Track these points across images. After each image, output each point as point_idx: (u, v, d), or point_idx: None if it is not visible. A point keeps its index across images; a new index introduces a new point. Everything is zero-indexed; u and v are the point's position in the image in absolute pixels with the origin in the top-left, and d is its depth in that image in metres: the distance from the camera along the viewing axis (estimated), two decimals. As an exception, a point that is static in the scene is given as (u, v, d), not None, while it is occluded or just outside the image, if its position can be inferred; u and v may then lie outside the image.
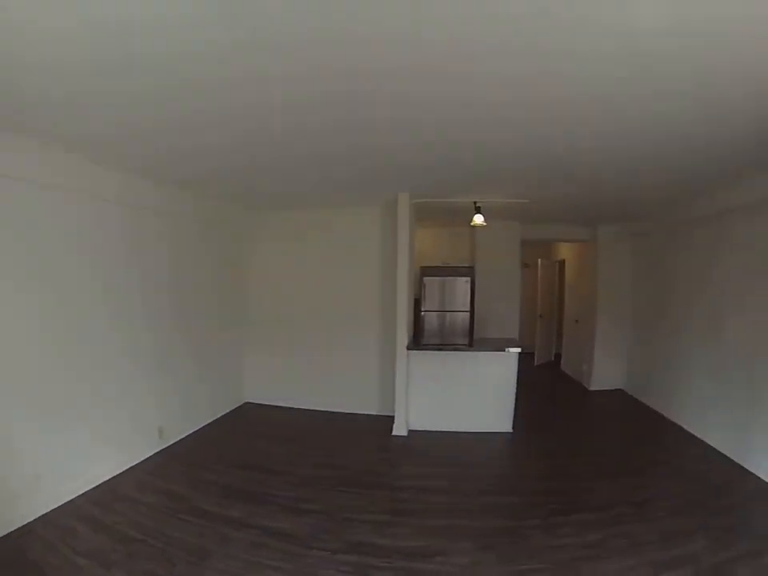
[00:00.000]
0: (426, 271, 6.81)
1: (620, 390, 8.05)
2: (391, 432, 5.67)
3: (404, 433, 5.66)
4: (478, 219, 5.81)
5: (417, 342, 6.22)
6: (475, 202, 5.77)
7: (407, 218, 5.72)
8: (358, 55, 2.29)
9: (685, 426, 6.00)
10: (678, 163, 4.15)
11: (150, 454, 4.77)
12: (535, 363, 10.15)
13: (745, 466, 4.70)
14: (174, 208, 5.20)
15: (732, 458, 4.93)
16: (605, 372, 8.07)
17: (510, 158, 4.07)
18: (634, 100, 2.79)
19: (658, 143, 3.57)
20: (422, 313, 6.66)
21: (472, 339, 6.66)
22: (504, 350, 5.71)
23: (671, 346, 6.55)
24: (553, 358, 10.69)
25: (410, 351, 5.72)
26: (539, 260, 10.27)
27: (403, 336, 5.71)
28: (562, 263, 10.35)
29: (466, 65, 2.38)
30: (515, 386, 5.78)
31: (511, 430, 5.73)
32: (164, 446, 5.00)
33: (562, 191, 5.38)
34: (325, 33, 2.08)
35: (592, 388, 8.11)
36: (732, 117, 3.04)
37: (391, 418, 5.79)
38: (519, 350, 5.72)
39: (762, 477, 4.45)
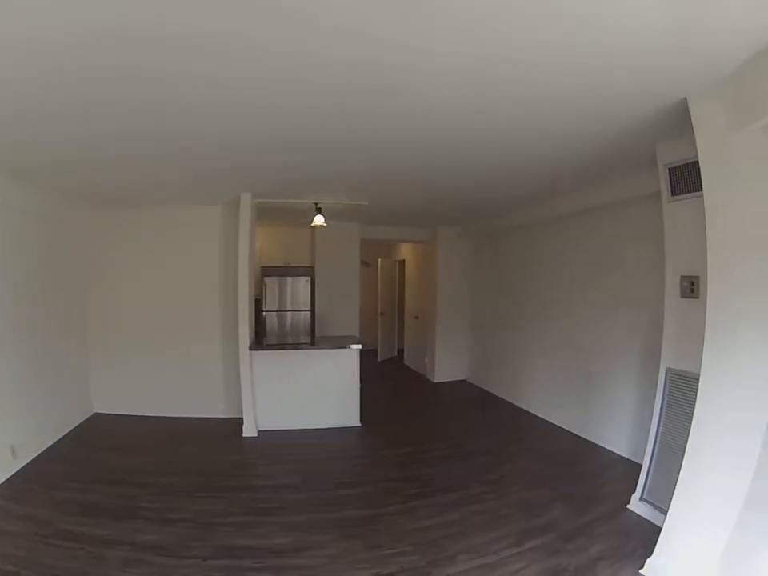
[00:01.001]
0: (267, 271, 6.74)
1: (463, 380, 8.57)
2: (242, 434, 5.54)
3: (254, 434, 5.55)
4: (318, 220, 5.84)
5: (260, 342, 6.13)
6: (316, 203, 5.79)
7: (249, 218, 5.58)
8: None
9: (529, 409, 6.54)
10: (510, 175, 4.59)
11: (6, 477, 4.19)
12: (379, 359, 10.41)
13: (590, 439, 5.25)
14: (10, 203, 4.51)
15: (577, 433, 5.47)
16: (447, 364, 8.54)
17: (347, 162, 4.17)
18: (473, 111, 3.00)
19: (487, 156, 3.94)
20: (264, 313, 6.61)
21: (314, 338, 6.73)
22: (346, 347, 5.83)
23: (511, 337, 7.12)
24: (396, 354, 11.04)
25: (253, 352, 5.61)
26: (379, 259, 10.56)
27: (245, 337, 5.57)
28: (402, 263, 10.73)
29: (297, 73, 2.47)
30: (358, 380, 5.93)
31: (359, 424, 5.85)
32: (18, 467, 4.42)
33: (401, 194, 5.58)
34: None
35: (436, 380, 8.52)
36: (548, 136, 3.43)
37: (241, 420, 5.64)
38: (360, 346, 5.86)
39: (605, 446, 5.01)
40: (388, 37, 2.12)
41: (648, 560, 2.91)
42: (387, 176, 4.68)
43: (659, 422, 3.54)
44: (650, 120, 3.12)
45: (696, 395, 2.73)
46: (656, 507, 3.45)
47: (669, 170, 3.51)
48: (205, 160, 4.08)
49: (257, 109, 2.95)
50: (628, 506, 3.72)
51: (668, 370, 3.49)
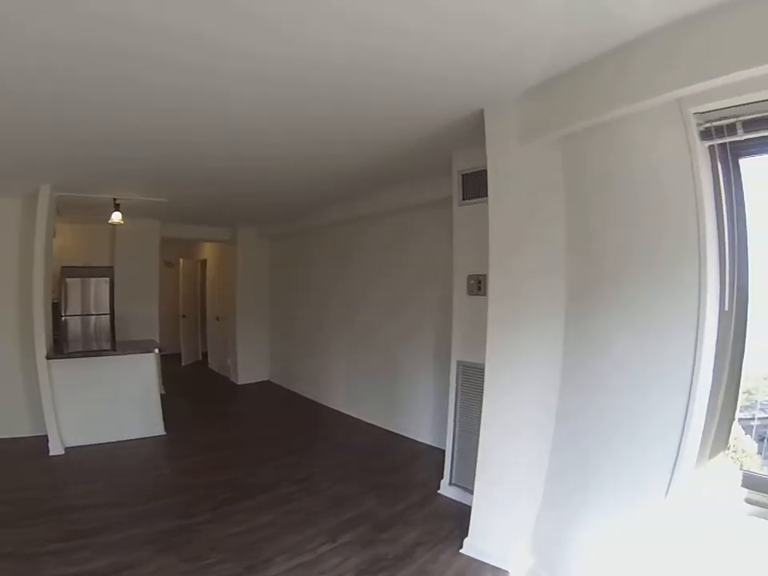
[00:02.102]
0: (67, 272, 6.15)
1: (267, 381, 8.53)
2: (48, 453, 4.92)
3: (61, 452, 4.96)
4: (116, 217, 5.49)
5: (59, 350, 5.52)
6: (115, 199, 5.42)
7: (46, 212, 4.98)
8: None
9: (335, 407, 6.67)
10: (306, 178, 4.72)
11: None
12: (183, 363, 9.91)
13: (396, 431, 5.48)
14: None
15: (383, 426, 5.68)
16: (250, 366, 8.45)
17: (142, 160, 4.02)
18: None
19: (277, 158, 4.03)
20: (63, 318, 6.01)
21: (115, 343, 6.24)
22: (147, 352, 5.51)
23: (312, 336, 7.23)
24: (201, 357, 10.61)
25: (51, 361, 5.03)
26: (181, 259, 10.05)
27: (42, 344, 4.97)
28: (204, 262, 10.35)
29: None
30: (158, 388, 5.66)
31: (164, 432, 5.55)
32: None
33: (200, 192, 5.44)
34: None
35: (240, 382, 8.37)
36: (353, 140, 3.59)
37: (46, 438, 5.00)
38: (157, 351, 5.58)
39: (412, 437, 5.28)
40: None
41: (465, 540, 3.12)
42: (183, 175, 4.58)
43: (455, 411, 3.86)
44: (449, 128, 3.37)
45: (483, 384, 3.03)
46: (465, 490, 3.70)
47: (462, 176, 3.83)
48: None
49: (42, 97, 2.73)
50: (439, 491, 3.97)
51: (459, 362, 3.81)
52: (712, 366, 2.21)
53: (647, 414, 2.35)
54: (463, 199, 3.86)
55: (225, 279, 9.00)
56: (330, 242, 6.95)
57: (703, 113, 2.20)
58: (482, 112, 3.05)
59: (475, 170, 3.67)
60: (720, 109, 2.14)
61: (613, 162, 2.55)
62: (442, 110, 3.09)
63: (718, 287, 2.22)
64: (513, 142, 2.89)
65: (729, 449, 2.30)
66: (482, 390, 3.04)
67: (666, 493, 2.25)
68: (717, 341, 2.22)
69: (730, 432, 2.29)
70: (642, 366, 2.38)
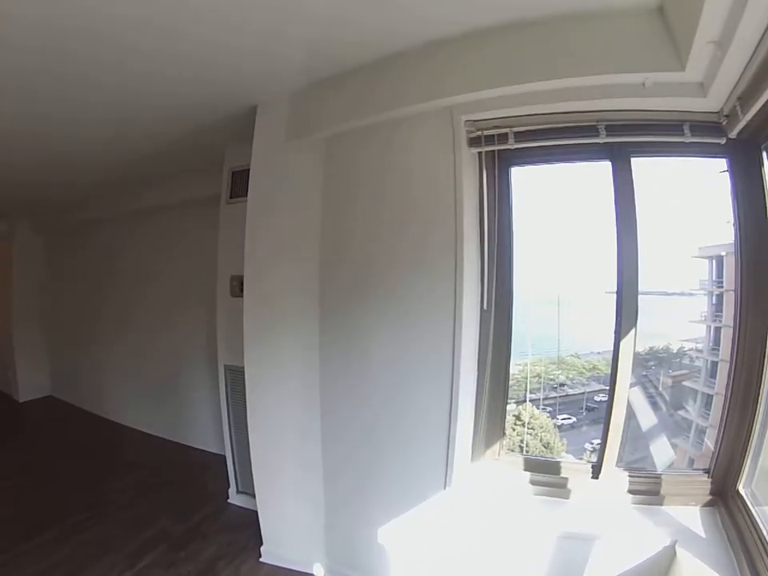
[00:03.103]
0: None
1: (50, 396, 7.40)
2: None
3: None
4: None
5: None
6: None
7: None
8: None
9: (121, 422, 6.01)
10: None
11: None
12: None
13: (183, 442, 5.11)
14: None
15: (170, 438, 5.26)
16: (31, 379, 7.29)
17: None
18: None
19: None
20: None
21: None
22: None
23: (92, 347, 6.48)
24: None
25: None
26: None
27: None
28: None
29: None
30: None
31: None
32: None
33: None
34: None
35: (23, 399, 7.19)
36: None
37: None
38: None
39: (198, 446, 4.95)
40: None
41: (262, 548, 3.04)
42: None
43: (229, 417, 3.71)
44: (223, 123, 3.18)
45: None
46: (253, 496, 3.49)
47: (232, 173, 3.62)
48: None
49: None
50: (229, 501, 3.81)
51: (226, 366, 3.66)
52: (476, 364, 2.36)
53: (415, 413, 2.43)
54: (230, 197, 3.65)
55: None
56: (99, 241, 6.31)
57: (476, 121, 2.26)
58: (255, 108, 2.89)
59: (246, 167, 3.39)
60: (494, 118, 2.23)
61: (383, 165, 2.54)
62: (216, 104, 2.91)
63: (479, 288, 2.32)
64: (280, 141, 2.79)
65: (504, 436, 2.47)
66: None
67: (445, 485, 2.35)
68: (479, 339, 2.36)
69: (504, 422, 2.46)
70: (405, 367, 2.45)
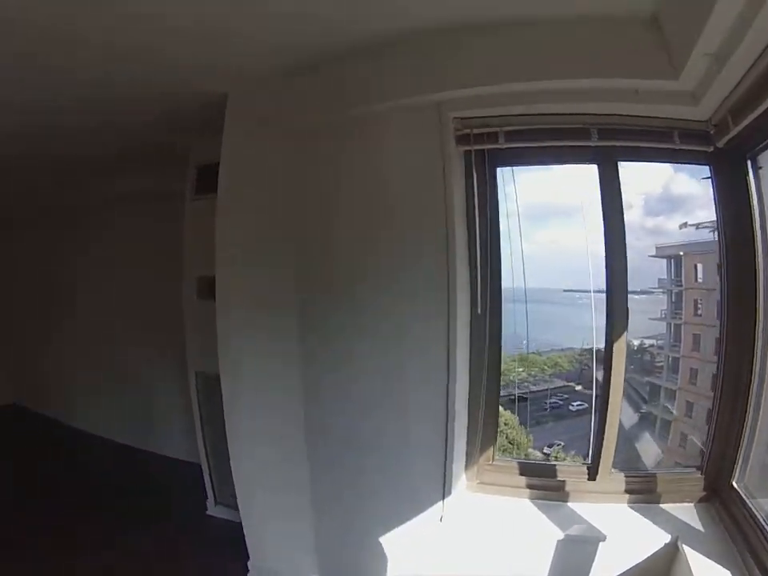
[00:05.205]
0: None
1: (14, 404, 6.86)
2: None
3: None
4: None
5: None
6: None
7: None
8: None
9: (83, 428, 5.69)
10: None
11: None
12: None
13: (154, 450, 4.90)
14: None
15: (140, 447, 5.02)
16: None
17: None
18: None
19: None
20: None
21: None
22: None
23: (58, 350, 6.08)
24: None
25: None
26: None
27: None
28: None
29: None
30: None
31: None
32: None
33: None
34: None
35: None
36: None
37: None
38: None
39: (169, 455, 4.75)
40: None
41: (249, 563, 2.92)
42: None
43: (202, 426, 3.58)
44: (190, 113, 3.02)
45: None
46: (234, 508, 3.35)
47: (197, 168, 3.48)
48: None
49: None
50: (208, 513, 3.68)
51: (197, 373, 3.53)
52: (467, 367, 2.33)
53: (407, 418, 2.39)
54: (196, 193, 3.51)
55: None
56: (53, 239, 5.98)
57: (464, 118, 2.22)
58: (225, 98, 2.72)
59: (213, 162, 3.21)
60: (484, 117, 2.20)
61: (365, 160, 2.45)
62: (180, 91, 2.75)
63: (469, 291, 2.30)
64: (252, 134, 2.67)
65: (497, 440, 2.49)
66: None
67: (444, 493, 2.32)
68: (470, 344, 2.34)
69: (497, 424, 2.48)
70: (393, 371, 2.40)
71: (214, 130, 2.78)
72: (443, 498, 2.31)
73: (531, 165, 2.44)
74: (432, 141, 2.24)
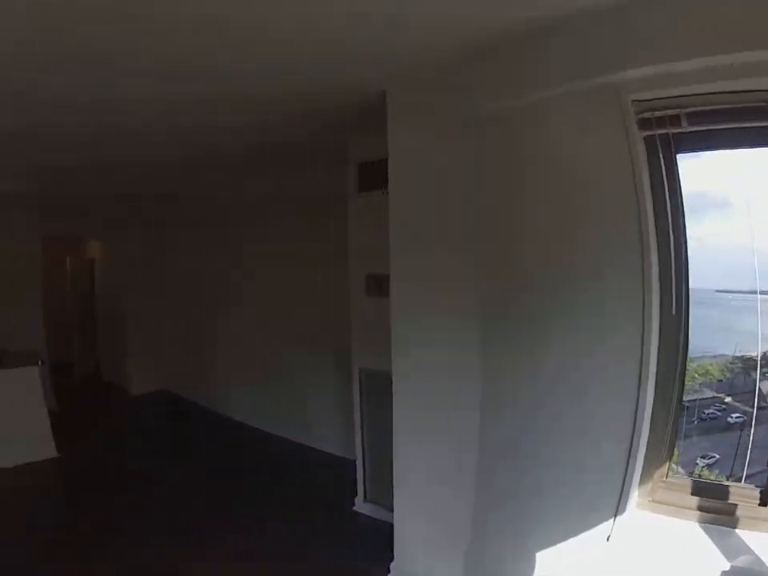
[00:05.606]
0: None
1: (166, 390, 7.78)
2: None
3: None
4: None
5: None
6: None
7: None
8: None
9: (236, 418, 6.13)
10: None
11: None
12: (77, 373, 8.89)
13: (305, 443, 5.07)
14: None
15: (290, 438, 5.25)
16: (146, 374, 7.73)
17: None
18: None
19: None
20: None
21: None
22: (29, 365, 4.89)
23: (206, 342, 6.70)
24: (96, 366, 9.43)
25: None
26: (68, 258, 9.06)
27: None
28: (92, 261, 9.29)
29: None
30: (44, 404, 5.00)
31: (56, 454, 4.89)
32: None
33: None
34: None
35: (137, 392, 7.65)
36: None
37: None
38: (41, 362, 5.03)
39: (322, 448, 4.89)
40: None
41: (392, 565, 2.86)
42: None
43: (362, 423, 3.60)
44: (346, 112, 3.09)
45: (391, 393, 2.78)
46: (383, 506, 3.42)
47: (359, 165, 3.53)
48: None
49: None
50: (355, 509, 3.69)
51: (361, 370, 3.55)
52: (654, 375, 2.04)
53: (590, 431, 2.16)
54: (360, 191, 3.56)
55: (114, 279, 8.24)
56: (209, 237, 6.55)
57: (643, 101, 2.01)
58: (384, 93, 2.74)
59: (374, 158, 3.31)
60: (664, 98, 1.97)
61: (541, 147, 2.29)
62: (337, 90, 2.79)
63: (659, 292, 2.04)
64: (419, 126, 2.62)
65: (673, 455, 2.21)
66: (390, 398, 2.79)
67: (616, 512, 2.07)
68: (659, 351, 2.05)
69: (675, 438, 2.20)
70: (581, 378, 2.17)
71: (374, 126, 2.80)
72: (615, 517, 2.07)
73: (711, 149, 2.12)
74: (614, 126, 2.04)
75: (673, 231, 2.05)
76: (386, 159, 2.75)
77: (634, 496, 2.09)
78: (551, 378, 2.25)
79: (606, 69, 1.98)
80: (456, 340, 2.56)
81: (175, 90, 2.70)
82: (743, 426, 2.56)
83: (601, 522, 2.10)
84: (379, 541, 3.07)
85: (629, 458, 2.03)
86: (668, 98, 1.96)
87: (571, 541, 2.18)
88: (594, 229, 2.14)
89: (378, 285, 3.32)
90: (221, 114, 3.15)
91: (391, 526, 2.90)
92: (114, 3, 1.76)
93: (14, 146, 3.83)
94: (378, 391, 3.36)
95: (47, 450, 4.87)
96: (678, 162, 2.07)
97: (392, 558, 2.86)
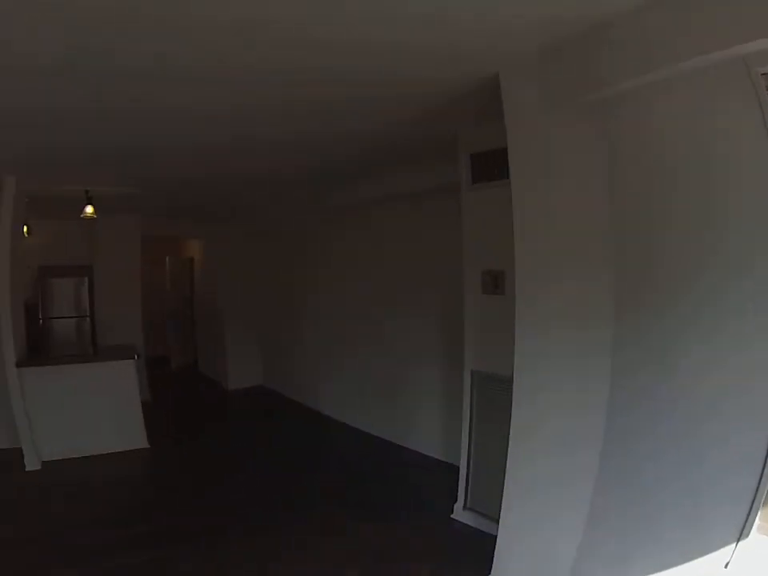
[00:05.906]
0: (44, 272, 5.85)
1: (260, 385, 8.02)
2: (24, 468, 4.46)
3: (37, 466, 4.52)
4: (88, 210, 5.08)
5: (36, 356, 5.14)
6: (87, 191, 4.98)
7: (12, 208, 4.53)
8: None
9: (331, 415, 6.15)
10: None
11: None
12: (173, 368, 9.29)
13: (402, 444, 4.99)
14: None
15: (386, 438, 5.18)
16: (242, 369, 7.97)
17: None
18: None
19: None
20: (41, 321, 5.69)
21: (96, 348, 5.91)
22: (126, 359, 5.11)
23: (309, 338, 6.70)
24: (192, 361, 9.92)
25: (23, 369, 4.54)
26: (167, 257, 9.42)
27: (11, 351, 4.50)
28: (192, 260, 9.76)
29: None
30: (140, 397, 5.22)
31: (148, 445, 5.08)
32: None
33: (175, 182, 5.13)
34: None
35: (232, 387, 7.90)
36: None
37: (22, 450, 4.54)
38: (137, 357, 5.23)
39: (420, 450, 4.78)
40: None
41: None
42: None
43: (470, 427, 3.41)
44: (457, 100, 2.89)
45: (505, 397, 2.58)
46: (483, 515, 3.27)
47: (471, 156, 3.35)
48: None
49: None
50: (452, 516, 3.51)
51: (473, 372, 3.36)
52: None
53: (723, 447, 1.91)
54: (473, 183, 3.36)
55: (212, 278, 8.52)
56: (317, 239, 6.56)
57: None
58: (496, 76, 2.52)
59: (488, 148, 3.15)
60: None
61: (675, 123, 2.05)
62: (443, 77, 2.60)
63: None
64: (538, 111, 2.38)
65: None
66: (503, 403, 2.63)
67: (740, 536, 1.83)
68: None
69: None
70: (717, 388, 1.92)
71: (487, 115, 2.66)
72: (737, 541, 1.83)
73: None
74: (748, 105, 1.78)
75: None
76: (499, 149, 2.61)
77: (756, 521, 1.83)
78: (688, 385, 2.02)
79: (733, 40, 1.71)
80: (585, 347, 2.36)
81: (303, 93, 2.71)
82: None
83: (719, 548, 1.88)
84: (476, 551, 2.92)
85: (759, 481, 1.79)
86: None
87: (686, 566, 1.97)
88: (734, 230, 1.90)
89: (495, 282, 3.15)
90: (340, 116, 3.14)
91: (490, 537, 2.74)
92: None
93: (154, 158, 4.11)
94: (491, 395, 3.20)
95: (139, 440, 5.06)
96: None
97: (489, 570, 2.67)
